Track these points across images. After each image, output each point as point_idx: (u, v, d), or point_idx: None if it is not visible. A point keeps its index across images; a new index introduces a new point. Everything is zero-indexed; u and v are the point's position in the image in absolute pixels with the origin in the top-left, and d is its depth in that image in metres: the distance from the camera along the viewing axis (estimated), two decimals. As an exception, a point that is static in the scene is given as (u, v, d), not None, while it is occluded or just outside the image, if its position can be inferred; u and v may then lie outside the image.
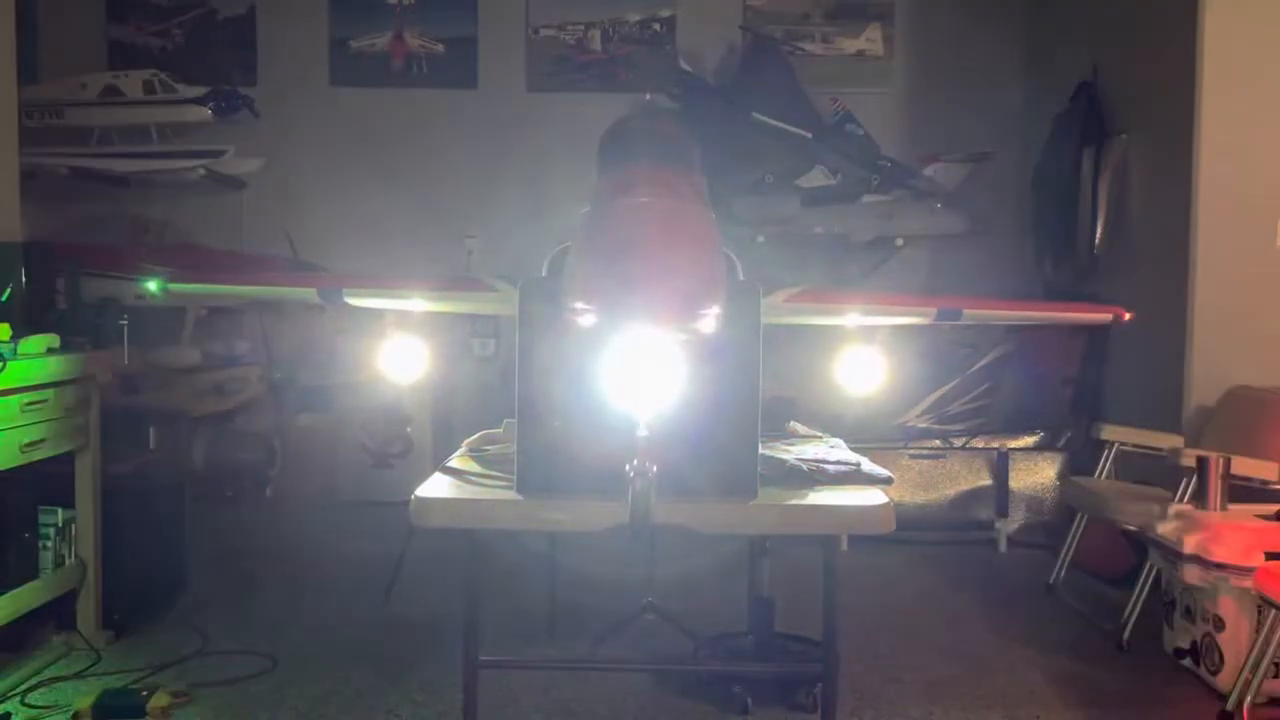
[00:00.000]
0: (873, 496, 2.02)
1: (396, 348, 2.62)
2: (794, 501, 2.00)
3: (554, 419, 1.84)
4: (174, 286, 2.75)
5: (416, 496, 1.98)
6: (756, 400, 1.93)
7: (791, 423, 2.68)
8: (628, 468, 1.64)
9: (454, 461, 2.25)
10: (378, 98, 6.06)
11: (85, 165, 5.62)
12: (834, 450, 2.35)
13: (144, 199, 5.88)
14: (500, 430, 2.51)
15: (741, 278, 2.14)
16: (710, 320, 1.59)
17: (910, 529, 4.89)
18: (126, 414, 4.91)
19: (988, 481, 4.92)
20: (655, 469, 1.64)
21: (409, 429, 5.55)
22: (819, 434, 2.62)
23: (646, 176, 1.75)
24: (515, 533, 3.49)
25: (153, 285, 2.73)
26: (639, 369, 1.62)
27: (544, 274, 2.00)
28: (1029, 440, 5.00)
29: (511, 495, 1.97)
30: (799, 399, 4.36)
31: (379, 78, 6.05)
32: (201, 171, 5.62)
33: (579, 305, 1.59)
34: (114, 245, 5.56)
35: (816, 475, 2.11)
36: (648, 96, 2.92)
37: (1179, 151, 4.19)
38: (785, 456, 2.20)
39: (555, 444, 1.90)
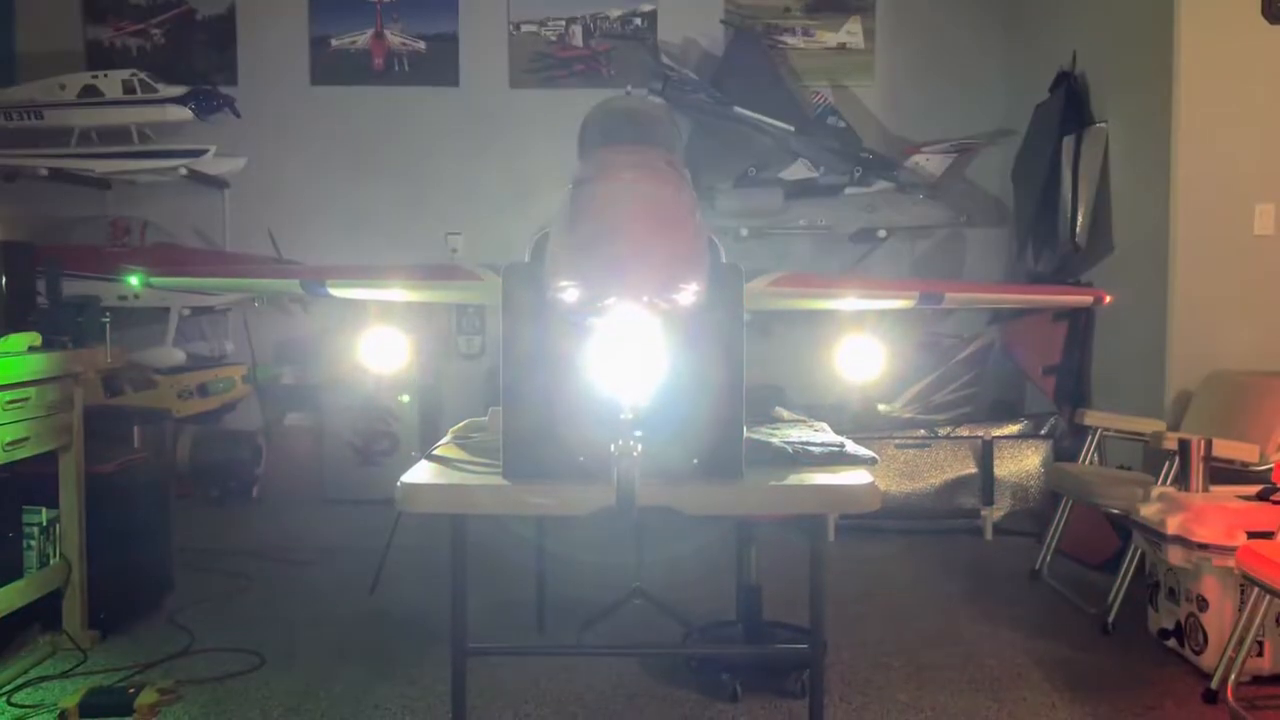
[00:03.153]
0: (858, 476, 2.03)
1: (378, 338, 2.62)
2: (779, 482, 2.00)
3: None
4: (156, 281, 2.73)
5: (403, 482, 1.97)
6: (741, 382, 1.94)
7: (777, 408, 2.69)
8: (613, 448, 1.65)
9: (440, 449, 2.25)
10: (359, 96, 6.04)
11: (65, 166, 5.58)
12: (819, 433, 2.36)
13: (125, 200, 5.86)
14: (486, 419, 2.51)
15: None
16: (690, 295, 1.60)
17: (896, 518, 4.91)
18: (110, 414, 4.89)
19: (973, 470, 4.95)
20: (640, 449, 1.64)
21: (394, 425, 5.54)
22: (803, 418, 2.63)
23: (627, 154, 1.76)
24: (501, 529, 3.50)
25: (134, 280, 2.71)
26: (623, 351, 1.63)
27: (527, 259, 2.00)
28: (1013, 428, 5.03)
29: (498, 480, 1.97)
30: (785, 389, 4.38)
31: (360, 76, 6.03)
32: (183, 172, 5.59)
33: (562, 282, 1.60)
34: (95, 246, 5.53)
35: (801, 457, 2.12)
36: (629, 90, 2.92)
37: (1158, 139, 4.22)
38: (770, 439, 2.21)
39: (541, 428, 1.90)
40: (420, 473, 2.05)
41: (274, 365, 5.96)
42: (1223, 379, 3.94)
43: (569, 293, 1.58)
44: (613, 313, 1.55)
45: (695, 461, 1.92)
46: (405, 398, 5.50)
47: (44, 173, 5.57)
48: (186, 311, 5.58)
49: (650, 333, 1.62)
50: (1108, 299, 2.88)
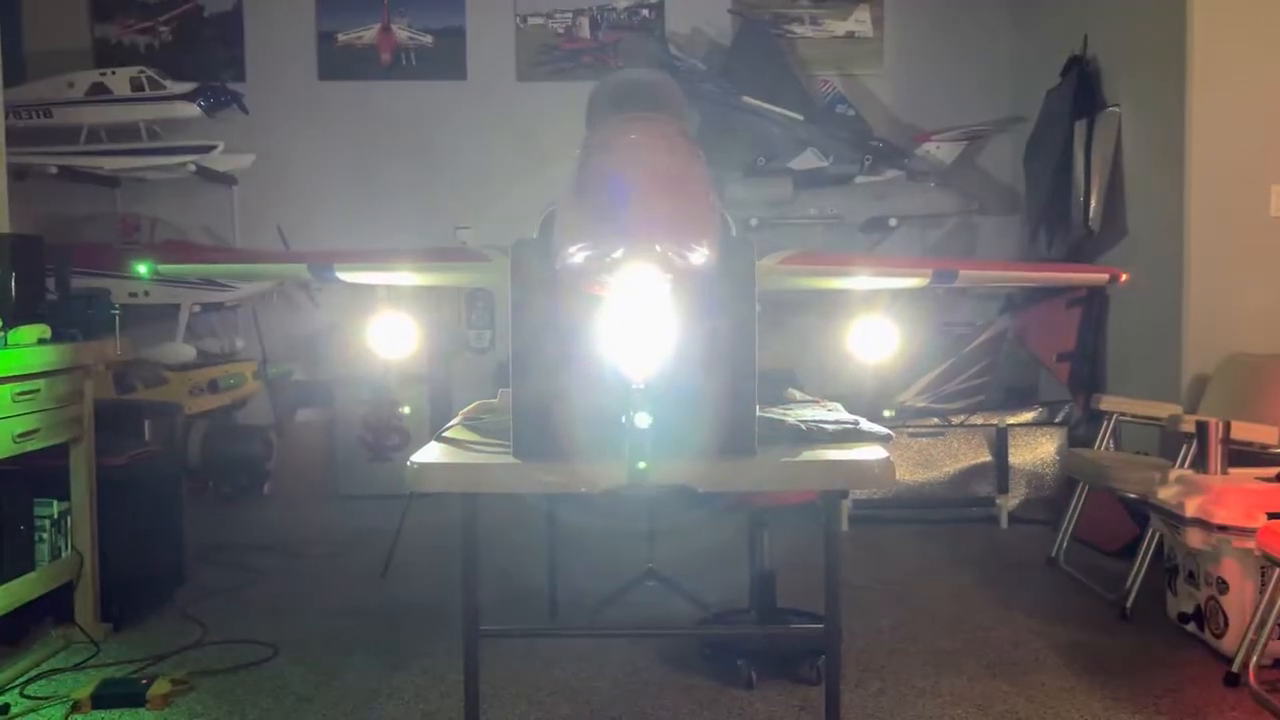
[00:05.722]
0: (872, 452, 2.00)
1: (387, 324, 2.60)
2: (793, 459, 1.97)
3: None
4: (164, 269, 2.72)
5: (413, 462, 1.95)
6: (753, 356, 1.91)
7: (789, 389, 2.66)
8: (624, 419, 1.62)
9: (450, 431, 2.23)
10: (367, 91, 6.03)
11: (74, 164, 5.59)
12: (832, 412, 2.33)
13: (134, 197, 5.87)
14: (496, 400, 2.49)
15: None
16: (701, 255, 1.57)
17: (911, 507, 4.88)
18: (120, 408, 4.88)
19: (988, 458, 4.91)
20: (651, 420, 1.62)
21: (404, 416, 5.54)
22: (817, 398, 2.60)
23: (635, 118, 1.73)
24: (511, 520, 3.48)
25: (143, 268, 2.70)
26: (634, 319, 1.60)
27: (535, 236, 1.98)
28: (1028, 416, 4.99)
29: (508, 459, 1.95)
30: (796, 374, 4.35)
31: (367, 71, 6.02)
32: (191, 168, 5.58)
33: (571, 248, 1.57)
34: (105, 244, 5.54)
35: (815, 434, 2.09)
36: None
37: (1171, 121, 4.18)
38: (784, 418, 2.18)
39: (551, 402, 1.87)
40: (431, 453, 2.03)
41: (284, 361, 5.96)
42: (1239, 362, 3.90)
43: (579, 256, 1.56)
44: (623, 269, 1.52)
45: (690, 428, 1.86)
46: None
47: (53, 171, 5.57)
48: (197, 308, 5.58)
49: (660, 297, 1.59)
50: (1124, 277, 2.85)
